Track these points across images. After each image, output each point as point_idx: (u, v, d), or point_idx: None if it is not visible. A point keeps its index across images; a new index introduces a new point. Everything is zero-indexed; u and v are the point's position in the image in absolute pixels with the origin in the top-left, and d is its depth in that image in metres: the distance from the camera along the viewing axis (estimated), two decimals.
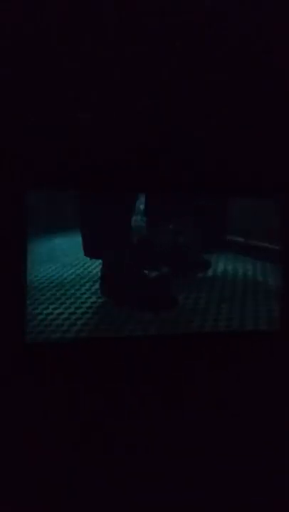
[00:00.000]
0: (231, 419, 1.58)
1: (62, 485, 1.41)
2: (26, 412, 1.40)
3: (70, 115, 1.51)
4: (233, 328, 1.51)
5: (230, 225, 1.74)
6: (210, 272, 1.77)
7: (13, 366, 1.39)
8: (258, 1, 1.57)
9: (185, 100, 1.60)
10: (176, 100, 1.59)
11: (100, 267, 1.71)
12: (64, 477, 1.42)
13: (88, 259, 1.77)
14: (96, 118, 1.54)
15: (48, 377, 1.41)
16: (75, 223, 1.71)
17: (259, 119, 1.69)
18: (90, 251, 1.70)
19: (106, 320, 1.56)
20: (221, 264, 1.77)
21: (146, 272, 1.68)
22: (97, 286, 1.68)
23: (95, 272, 1.76)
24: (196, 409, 1.55)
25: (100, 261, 1.73)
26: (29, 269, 1.33)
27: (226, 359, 1.59)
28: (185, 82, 1.59)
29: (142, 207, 1.89)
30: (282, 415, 1.61)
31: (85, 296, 1.65)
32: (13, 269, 1.44)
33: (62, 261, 1.75)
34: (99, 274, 1.69)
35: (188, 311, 1.59)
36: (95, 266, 1.76)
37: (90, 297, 1.65)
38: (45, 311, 1.53)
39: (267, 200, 1.76)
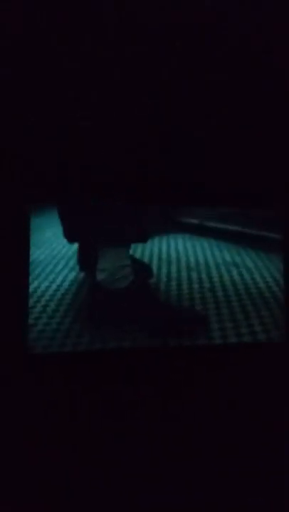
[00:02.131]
0: (236, 427, 1.59)
1: (61, 485, 1.41)
2: (27, 414, 1.40)
3: (70, 115, 1.50)
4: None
5: (186, 208, 1.82)
6: (174, 251, 1.86)
7: (14, 373, 1.39)
8: (258, 1, 1.56)
9: (185, 100, 1.60)
10: (176, 100, 1.59)
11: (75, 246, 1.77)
12: (63, 477, 1.42)
13: (52, 242, 1.82)
14: (96, 119, 1.53)
15: (48, 383, 1.41)
16: None
17: (259, 119, 1.68)
18: (70, 237, 1.75)
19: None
20: (181, 242, 1.86)
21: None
22: (71, 263, 1.75)
23: (64, 251, 1.81)
24: (200, 419, 1.56)
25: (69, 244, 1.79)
26: None
27: (229, 370, 1.60)
28: (185, 82, 1.58)
29: None
30: (282, 421, 1.63)
31: (65, 271, 1.74)
32: (14, 282, 1.46)
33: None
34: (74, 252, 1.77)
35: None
36: (62, 247, 1.83)
37: (70, 272, 1.73)
38: (32, 286, 1.60)
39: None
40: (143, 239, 1.78)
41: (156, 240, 1.81)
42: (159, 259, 1.80)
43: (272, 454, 1.61)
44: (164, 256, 1.82)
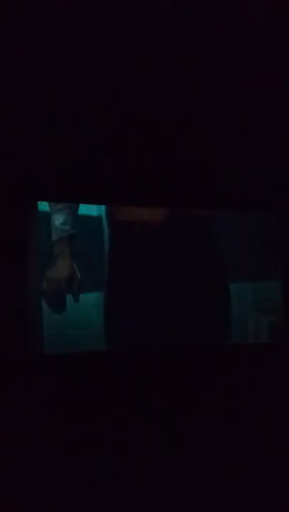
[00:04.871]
0: (235, 428, 1.59)
1: (60, 486, 1.41)
2: (27, 414, 1.40)
3: (70, 115, 1.50)
4: None
5: None
6: None
7: (14, 373, 1.39)
8: (258, 1, 1.56)
9: (185, 100, 1.60)
10: (176, 100, 1.59)
11: None
12: (63, 478, 1.42)
13: None
14: (96, 118, 1.53)
15: (49, 383, 1.42)
16: None
17: (259, 119, 1.68)
18: None
19: None
20: None
21: None
22: None
23: None
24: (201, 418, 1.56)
25: None
26: None
27: (230, 370, 1.60)
28: (185, 82, 1.58)
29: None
30: (286, 423, 1.63)
31: None
32: (15, 282, 1.45)
33: None
34: None
35: None
36: None
37: None
38: None
39: None
40: None
41: None
42: None
43: (274, 455, 1.61)
44: None
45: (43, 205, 2.03)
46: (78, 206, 2.02)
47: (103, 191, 1.59)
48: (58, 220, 1.94)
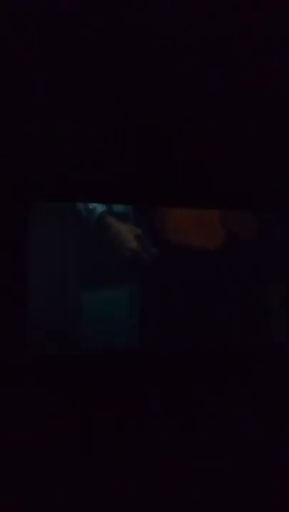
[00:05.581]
0: (234, 425, 1.59)
1: (59, 485, 1.41)
2: (26, 414, 1.40)
3: (69, 116, 1.50)
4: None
5: None
6: None
7: (13, 372, 1.39)
8: (258, 1, 1.56)
9: (185, 101, 1.60)
10: (176, 101, 1.59)
11: None
12: (62, 477, 1.42)
13: None
14: (95, 119, 1.53)
15: (48, 383, 1.42)
16: None
17: (259, 119, 1.68)
18: None
19: None
20: None
21: None
22: None
23: None
24: (200, 417, 1.56)
25: None
26: None
27: (230, 369, 1.60)
28: (185, 82, 1.58)
29: None
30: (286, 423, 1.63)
31: None
32: (15, 282, 1.44)
33: None
34: None
35: None
36: None
37: None
38: None
39: None
40: None
41: None
42: None
43: (274, 454, 1.61)
44: None
45: None
46: None
47: (103, 191, 1.58)
48: (92, 204, 1.94)
